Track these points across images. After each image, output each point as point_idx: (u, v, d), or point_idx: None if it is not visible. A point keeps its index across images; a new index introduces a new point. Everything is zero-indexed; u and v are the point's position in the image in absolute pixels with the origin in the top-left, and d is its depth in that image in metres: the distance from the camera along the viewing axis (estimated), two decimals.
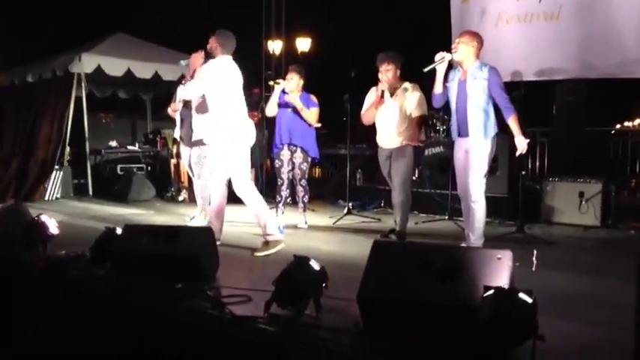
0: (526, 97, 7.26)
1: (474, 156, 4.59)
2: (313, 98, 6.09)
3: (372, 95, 5.48)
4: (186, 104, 5.98)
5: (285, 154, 6.11)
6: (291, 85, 5.99)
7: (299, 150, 6.06)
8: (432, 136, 7.35)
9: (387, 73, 5.25)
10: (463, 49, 4.63)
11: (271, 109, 6.03)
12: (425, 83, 5.13)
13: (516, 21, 8.10)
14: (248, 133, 4.90)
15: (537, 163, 7.97)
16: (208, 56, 4.92)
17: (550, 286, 3.60)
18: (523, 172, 6.20)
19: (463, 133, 4.67)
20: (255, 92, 9.78)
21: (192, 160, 6.14)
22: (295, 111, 5.98)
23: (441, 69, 4.66)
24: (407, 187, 5.34)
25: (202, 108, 5.12)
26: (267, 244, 4.69)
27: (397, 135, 5.29)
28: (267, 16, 11.47)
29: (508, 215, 6.12)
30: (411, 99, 5.25)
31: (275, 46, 12.03)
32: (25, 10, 13.59)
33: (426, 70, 4.69)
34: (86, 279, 3.61)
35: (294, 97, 5.94)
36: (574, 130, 6.98)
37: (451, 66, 4.79)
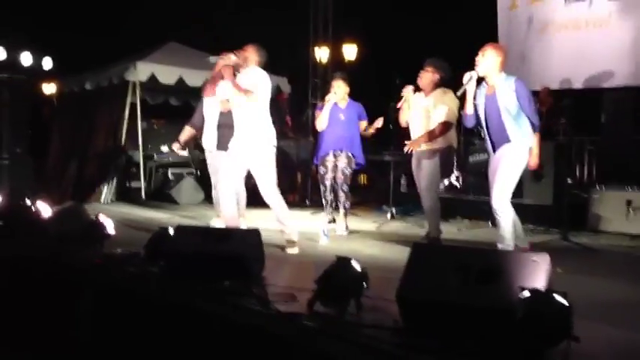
0: (575, 105, 7.23)
1: (508, 158, 4.52)
2: (363, 110, 6.24)
3: (412, 99, 5.53)
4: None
5: (329, 159, 6.19)
6: (340, 93, 6.09)
7: (344, 155, 6.11)
8: (477, 143, 7.36)
9: (424, 74, 5.32)
10: (486, 63, 4.57)
11: (322, 123, 6.09)
12: None
13: (565, 28, 8.07)
14: (274, 138, 5.14)
15: (585, 171, 7.87)
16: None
17: (593, 292, 3.62)
18: (569, 181, 6.17)
19: (502, 143, 4.59)
20: (282, 97, 9.94)
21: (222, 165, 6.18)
22: (348, 119, 6.09)
23: (470, 89, 4.65)
24: (433, 193, 5.35)
25: (245, 113, 5.20)
26: (291, 242, 4.95)
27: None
28: (314, 24, 11.68)
29: (553, 223, 6.10)
30: (442, 104, 5.28)
31: (322, 54, 12.21)
32: (83, 20, 14.18)
33: (458, 93, 4.73)
34: (140, 276, 3.81)
35: (369, 125, 6.18)
36: (622, 139, 6.89)
37: (479, 81, 4.75)
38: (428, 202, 5.34)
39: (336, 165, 6.14)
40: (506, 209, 4.49)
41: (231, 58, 5.08)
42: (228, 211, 5.13)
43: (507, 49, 4.88)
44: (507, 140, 4.54)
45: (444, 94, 5.30)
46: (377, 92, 8.45)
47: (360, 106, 6.22)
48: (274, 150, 5.14)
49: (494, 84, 4.58)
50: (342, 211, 6.21)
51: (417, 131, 5.41)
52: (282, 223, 5.01)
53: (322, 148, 6.24)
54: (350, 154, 6.12)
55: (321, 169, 6.26)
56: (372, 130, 6.19)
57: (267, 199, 5.04)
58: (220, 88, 5.30)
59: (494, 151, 4.66)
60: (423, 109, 5.36)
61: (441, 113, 5.27)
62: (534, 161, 4.57)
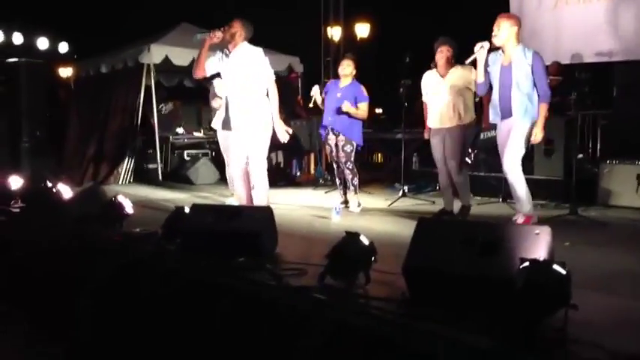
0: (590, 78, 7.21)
1: (514, 133, 4.71)
2: (363, 90, 6.21)
3: (427, 78, 5.64)
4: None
5: (331, 138, 6.29)
6: (346, 72, 6.19)
7: (341, 133, 6.20)
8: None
9: (441, 54, 5.43)
10: (504, 34, 4.68)
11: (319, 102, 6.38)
12: None
13: (576, 2, 8.02)
14: (270, 123, 5.19)
15: (598, 146, 7.88)
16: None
17: (596, 263, 3.71)
18: (581, 155, 6.21)
19: (506, 115, 4.78)
20: (293, 77, 10.00)
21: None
22: (343, 97, 6.10)
23: (481, 58, 4.79)
24: (462, 168, 5.53)
25: (243, 92, 5.24)
26: None
27: (451, 116, 5.44)
28: (325, 2, 11.66)
29: (563, 198, 6.14)
30: (463, 77, 5.40)
31: (334, 32, 12.21)
32: (97, 4, 14.27)
33: (467, 61, 4.85)
34: (158, 253, 3.96)
35: (347, 105, 6.01)
36: (634, 113, 6.88)
37: (490, 50, 4.86)
38: (459, 176, 5.51)
39: (337, 144, 6.25)
40: (518, 171, 4.74)
41: (219, 35, 5.07)
42: (239, 190, 5.28)
43: (520, 20, 4.93)
44: (510, 114, 4.69)
45: (464, 70, 5.40)
46: (389, 70, 8.50)
47: (360, 87, 6.22)
48: (270, 134, 5.19)
49: (510, 55, 4.69)
50: (351, 188, 6.30)
51: (438, 111, 5.50)
52: (258, 198, 5.14)
53: (322, 123, 6.42)
54: (345, 134, 6.19)
55: (327, 148, 6.41)
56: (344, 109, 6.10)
57: (253, 177, 5.15)
58: (217, 83, 5.33)
59: (502, 118, 4.85)
60: (446, 87, 5.47)
61: (468, 85, 5.40)
62: (539, 134, 4.69)
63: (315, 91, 6.38)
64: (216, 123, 6.51)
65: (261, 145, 5.16)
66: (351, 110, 6.03)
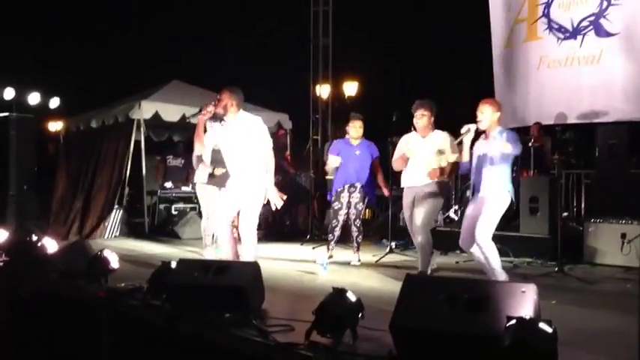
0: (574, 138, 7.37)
1: (487, 204, 4.78)
2: (376, 149, 6.55)
3: (403, 144, 5.73)
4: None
5: (344, 195, 6.42)
6: (358, 133, 6.45)
7: (357, 190, 6.37)
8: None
9: (422, 118, 5.50)
10: (486, 119, 4.85)
11: (332, 162, 6.61)
12: None
13: (557, 65, 8.30)
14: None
15: (582, 205, 7.99)
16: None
17: (581, 322, 3.72)
18: (565, 214, 6.29)
19: (478, 190, 4.90)
20: (281, 134, 10.16)
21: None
22: (363, 155, 6.40)
23: (467, 140, 4.92)
24: (428, 230, 5.50)
25: (242, 160, 5.24)
26: None
27: (426, 174, 5.49)
28: (314, 62, 11.93)
29: (549, 256, 6.20)
30: (445, 142, 5.48)
31: (322, 90, 12.44)
32: (89, 61, 14.53)
33: (455, 142, 4.98)
34: (143, 308, 3.92)
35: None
36: (616, 172, 7.02)
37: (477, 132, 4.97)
38: (423, 239, 5.44)
39: (350, 201, 6.39)
40: (489, 244, 4.75)
41: (211, 109, 5.07)
42: (225, 245, 5.23)
43: (502, 105, 5.14)
44: (484, 188, 4.83)
45: (444, 136, 5.53)
46: (377, 128, 8.65)
47: (373, 145, 6.56)
48: (264, 194, 5.18)
49: (490, 136, 4.83)
50: (354, 245, 6.47)
51: (416, 172, 5.56)
52: (247, 256, 5.08)
53: (337, 182, 6.56)
54: (363, 190, 6.40)
55: (336, 205, 6.48)
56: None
57: (244, 234, 5.10)
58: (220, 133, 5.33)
59: (473, 193, 4.98)
60: (426, 147, 5.55)
61: (450, 151, 5.46)
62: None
63: (334, 160, 6.56)
64: (201, 176, 6.62)
65: (255, 204, 5.13)
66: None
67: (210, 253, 6.48)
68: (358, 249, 6.47)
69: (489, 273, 4.80)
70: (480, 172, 4.89)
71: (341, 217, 6.45)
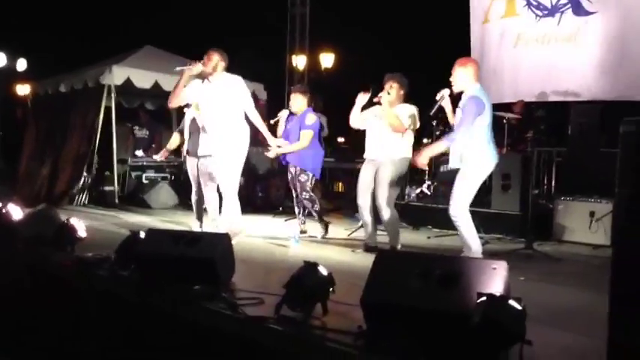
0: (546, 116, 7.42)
1: (461, 173, 4.74)
2: (307, 120, 6.29)
3: (368, 113, 5.58)
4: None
5: (291, 166, 6.39)
6: (295, 105, 6.34)
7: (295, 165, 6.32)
8: (448, 153, 7.51)
9: (390, 89, 5.37)
10: (457, 80, 4.71)
11: (279, 136, 6.35)
12: None
13: (534, 42, 8.30)
14: (245, 146, 5.44)
15: (553, 183, 8.08)
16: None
17: (550, 299, 3.75)
18: (536, 191, 6.34)
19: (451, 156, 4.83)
20: (260, 103, 10.09)
21: (200, 170, 6.24)
22: (290, 129, 6.28)
23: (446, 104, 4.85)
24: (392, 205, 5.41)
25: (222, 119, 5.41)
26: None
27: (386, 148, 5.39)
28: (291, 32, 11.78)
29: (520, 233, 6.24)
30: (405, 111, 5.37)
31: (299, 61, 12.31)
32: (59, 23, 14.10)
33: (431, 113, 4.88)
34: (111, 279, 3.85)
35: (283, 147, 6.19)
36: (588, 151, 7.10)
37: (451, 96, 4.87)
38: (387, 216, 5.36)
39: (294, 172, 6.33)
40: (462, 216, 4.67)
41: (199, 67, 5.23)
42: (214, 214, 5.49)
43: (476, 61, 5.00)
44: (460, 153, 4.73)
45: (409, 107, 5.43)
46: (352, 100, 8.57)
47: (304, 115, 6.29)
48: (243, 160, 5.40)
49: (462, 99, 4.76)
50: (314, 214, 6.34)
51: (376, 144, 5.47)
52: (231, 222, 5.29)
53: (282, 157, 6.47)
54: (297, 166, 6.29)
55: (289, 175, 6.45)
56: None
57: (225, 201, 5.37)
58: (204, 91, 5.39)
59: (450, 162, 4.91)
60: (384, 123, 5.41)
61: (408, 119, 5.37)
62: (419, 159, 4.82)
63: (282, 116, 6.42)
64: (191, 150, 6.50)
65: (232, 170, 5.31)
66: (287, 150, 6.20)
67: (196, 226, 6.40)
68: (320, 220, 6.32)
69: (465, 248, 4.77)
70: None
71: (294, 190, 6.41)
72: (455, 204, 4.71)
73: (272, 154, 6.17)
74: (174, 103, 5.52)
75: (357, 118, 5.54)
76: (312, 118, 6.31)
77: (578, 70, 7.69)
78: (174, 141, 7.12)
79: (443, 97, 4.78)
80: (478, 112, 4.57)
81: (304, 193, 6.29)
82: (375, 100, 5.38)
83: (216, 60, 5.30)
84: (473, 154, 4.66)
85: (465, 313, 2.54)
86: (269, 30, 12.61)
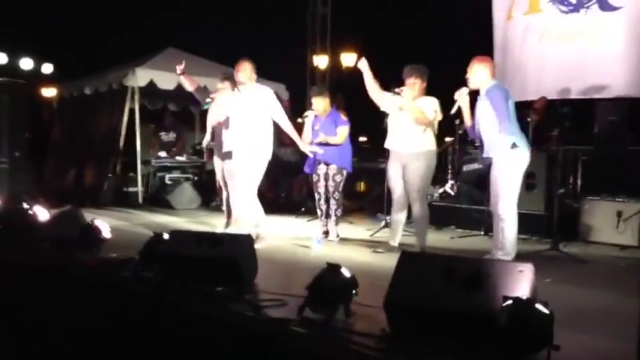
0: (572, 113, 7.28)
1: (498, 171, 4.70)
2: (342, 116, 6.25)
3: (392, 97, 5.43)
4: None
5: (321, 167, 6.25)
6: (319, 108, 6.24)
7: (332, 164, 6.19)
8: (472, 153, 7.44)
9: (413, 86, 5.24)
10: (474, 78, 4.72)
11: (307, 138, 6.20)
12: None
13: (559, 38, 8.15)
14: (270, 152, 5.63)
15: (579, 182, 7.94)
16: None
17: (577, 301, 3.69)
18: (562, 190, 6.23)
19: (487, 151, 4.80)
20: (284, 104, 10.05)
21: (225, 173, 6.32)
22: (321, 129, 6.16)
23: (464, 103, 4.79)
24: (425, 199, 5.36)
25: (247, 128, 5.61)
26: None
27: (411, 140, 5.27)
28: (312, 32, 11.76)
29: (545, 233, 6.13)
30: (429, 105, 5.25)
31: (320, 61, 12.29)
32: (83, 26, 14.27)
33: (452, 112, 4.85)
34: (135, 279, 3.87)
35: (322, 136, 6.10)
36: (614, 149, 6.96)
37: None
38: (419, 210, 5.31)
39: (327, 173, 6.21)
40: (512, 215, 4.69)
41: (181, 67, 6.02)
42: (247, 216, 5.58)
43: (492, 59, 4.99)
44: (490, 151, 4.71)
45: (432, 100, 5.30)
46: (373, 102, 8.53)
47: (338, 114, 6.25)
48: (265, 165, 5.58)
49: (480, 95, 4.73)
50: (333, 218, 6.23)
51: (401, 137, 5.39)
52: (257, 225, 5.54)
53: (311, 157, 6.32)
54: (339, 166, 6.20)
55: (314, 177, 6.34)
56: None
57: (247, 203, 5.57)
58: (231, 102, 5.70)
59: (485, 154, 4.84)
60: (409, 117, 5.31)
61: (432, 111, 5.26)
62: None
63: (310, 116, 6.32)
64: (217, 153, 6.56)
65: (255, 177, 5.51)
66: (328, 139, 6.09)
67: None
68: (337, 223, 6.26)
69: (494, 247, 4.73)
70: (481, 133, 4.80)
71: (321, 190, 6.29)
72: (504, 203, 4.69)
73: (307, 149, 5.94)
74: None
75: (374, 90, 5.39)
76: (345, 115, 6.32)
77: (605, 67, 7.54)
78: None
79: (461, 94, 4.74)
80: (506, 97, 4.63)
81: (336, 194, 6.20)
82: (397, 90, 5.30)
83: (249, 70, 5.52)
84: (510, 141, 4.63)
85: (490, 316, 2.51)
86: (290, 30, 12.60)
